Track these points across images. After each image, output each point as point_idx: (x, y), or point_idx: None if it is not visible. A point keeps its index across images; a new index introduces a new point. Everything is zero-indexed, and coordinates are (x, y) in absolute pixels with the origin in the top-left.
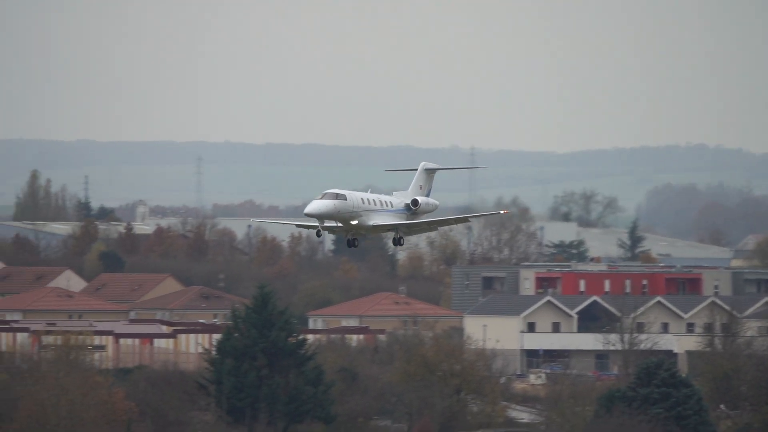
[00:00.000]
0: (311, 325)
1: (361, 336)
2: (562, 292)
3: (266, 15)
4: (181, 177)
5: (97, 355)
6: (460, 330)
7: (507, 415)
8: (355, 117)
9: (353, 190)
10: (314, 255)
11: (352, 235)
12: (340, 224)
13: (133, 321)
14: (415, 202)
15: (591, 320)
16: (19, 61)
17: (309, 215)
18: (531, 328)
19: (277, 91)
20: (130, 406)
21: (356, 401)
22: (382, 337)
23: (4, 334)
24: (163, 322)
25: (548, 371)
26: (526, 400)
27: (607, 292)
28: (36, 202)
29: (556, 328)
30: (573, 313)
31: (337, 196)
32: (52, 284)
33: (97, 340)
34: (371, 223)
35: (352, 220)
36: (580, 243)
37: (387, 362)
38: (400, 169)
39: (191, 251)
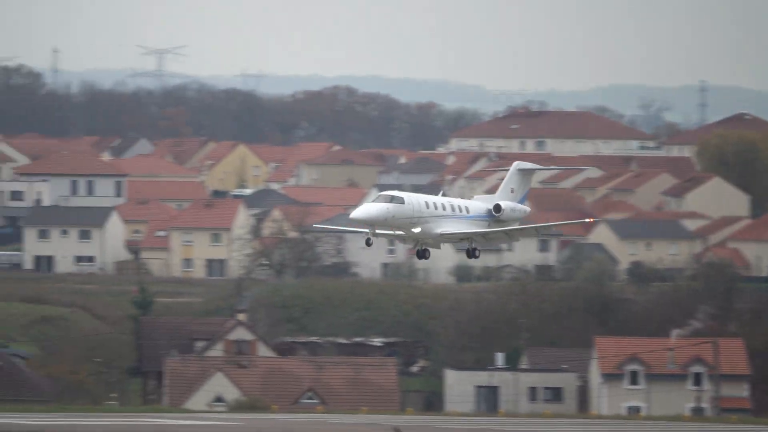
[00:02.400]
0: None
1: None
2: None
3: None
4: None
5: None
6: None
7: None
8: None
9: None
10: None
11: (422, 245)
12: (400, 232)
13: None
14: (497, 207)
15: None
16: None
17: (356, 221)
18: None
19: None
20: None
21: None
22: None
23: None
24: None
25: None
26: None
27: None
28: None
29: None
30: None
31: (392, 199)
32: None
33: None
34: (438, 231)
35: (413, 227)
36: None
37: None
38: (493, 169)
39: None
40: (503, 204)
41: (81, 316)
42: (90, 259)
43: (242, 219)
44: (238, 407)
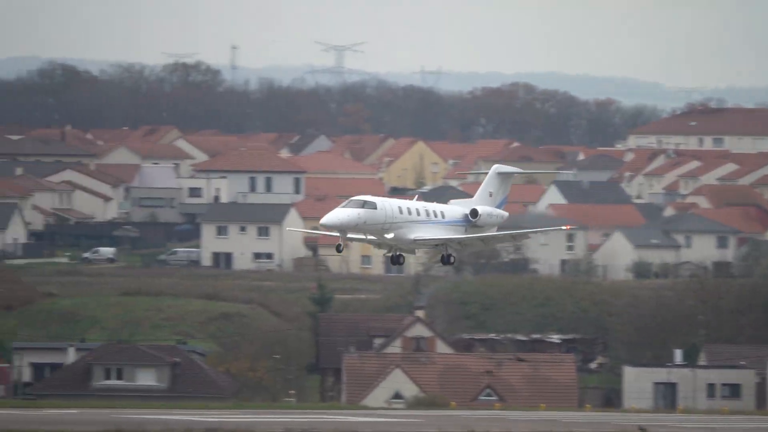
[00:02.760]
0: None
1: None
2: None
3: None
4: None
5: None
6: None
7: None
8: None
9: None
10: None
11: (396, 251)
12: (372, 237)
13: None
14: (474, 212)
15: None
16: None
17: (326, 227)
18: None
19: None
20: None
21: None
22: None
23: None
24: None
25: None
26: None
27: None
28: None
29: None
30: None
31: (364, 205)
32: None
33: None
34: (412, 236)
35: (386, 233)
36: None
37: None
38: (472, 172)
39: None
40: (480, 209)
41: (259, 312)
42: (268, 255)
43: None
44: (416, 404)
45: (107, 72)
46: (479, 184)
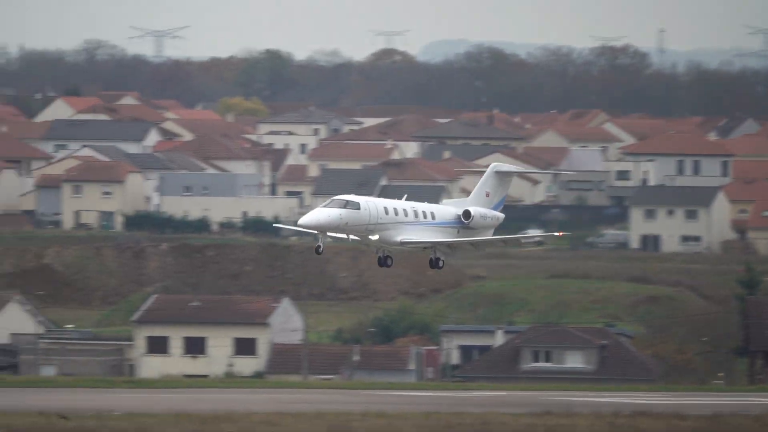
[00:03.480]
0: None
1: None
2: None
3: None
4: None
5: None
6: None
7: None
8: None
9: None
10: None
11: (383, 252)
12: (356, 238)
13: None
14: (466, 213)
15: None
16: None
17: (305, 228)
18: None
19: None
20: None
21: None
22: None
23: None
24: None
25: None
26: None
27: None
28: None
29: None
30: None
31: (346, 205)
32: None
33: None
34: (398, 238)
35: (370, 234)
36: None
37: None
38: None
39: None
40: (473, 210)
41: (687, 295)
42: (696, 239)
43: None
44: None
45: (534, 55)
46: None
